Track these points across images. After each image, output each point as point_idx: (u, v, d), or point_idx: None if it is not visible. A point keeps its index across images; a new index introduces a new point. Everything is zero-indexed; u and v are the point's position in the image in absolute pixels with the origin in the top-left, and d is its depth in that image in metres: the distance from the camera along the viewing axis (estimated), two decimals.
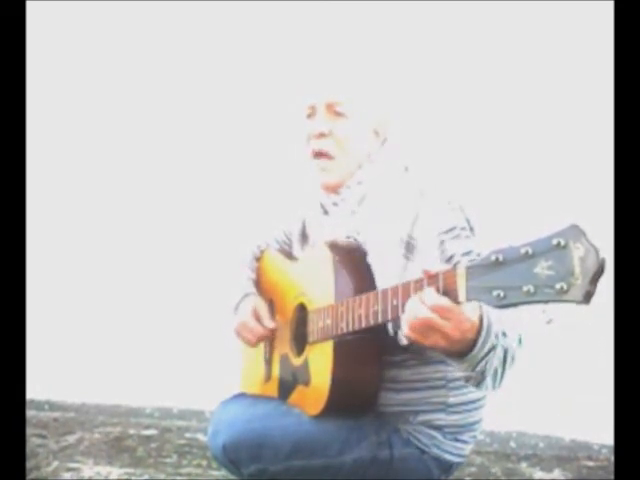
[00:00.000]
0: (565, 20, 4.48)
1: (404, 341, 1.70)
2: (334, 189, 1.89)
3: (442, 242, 1.68)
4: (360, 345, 1.74)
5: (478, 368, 1.49)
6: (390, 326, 1.71)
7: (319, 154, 1.87)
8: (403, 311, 1.51)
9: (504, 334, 1.52)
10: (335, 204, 1.90)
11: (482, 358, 1.48)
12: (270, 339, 2.02)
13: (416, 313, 1.41)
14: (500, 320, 1.50)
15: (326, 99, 1.85)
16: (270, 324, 1.97)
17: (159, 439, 3.55)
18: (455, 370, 1.57)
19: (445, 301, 1.39)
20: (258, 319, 1.98)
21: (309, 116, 1.89)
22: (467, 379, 1.55)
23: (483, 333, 1.45)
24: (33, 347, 2.50)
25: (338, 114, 1.85)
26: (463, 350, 1.46)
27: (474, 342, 1.45)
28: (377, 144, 1.89)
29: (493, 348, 1.48)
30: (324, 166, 1.87)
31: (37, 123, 4.12)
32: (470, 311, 1.41)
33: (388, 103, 1.92)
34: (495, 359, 1.50)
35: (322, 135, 1.85)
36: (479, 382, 1.54)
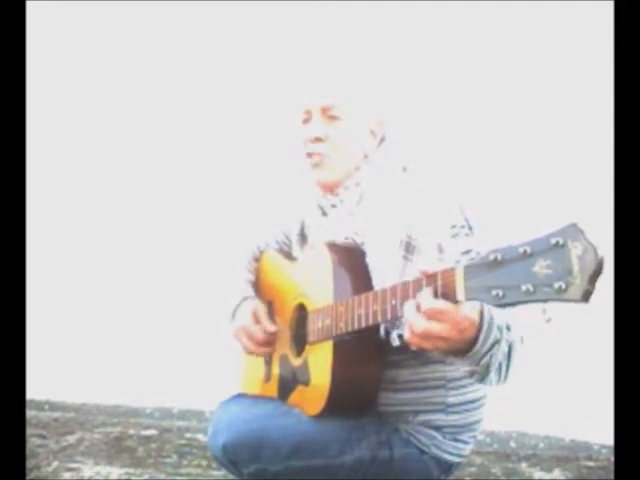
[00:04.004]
0: (565, 20, 4.48)
1: (396, 342, 1.69)
2: (330, 188, 1.89)
3: (441, 241, 1.68)
4: (359, 345, 1.74)
5: (482, 362, 1.47)
6: (382, 328, 1.71)
7: (314, 154, 1.87)
8: (402, 311, 1.51)
9: (508, 328, 1.51)
10: (334, 206, 1.90)
11: (486, 353, 1.46)
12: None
13: (412, 322, 1.41)
14: (503, 314, 1.49)
15: (321, 103, 1.85)
16: (271, 328, 1.96)
17: (159, 439, 3.55)
18: (459, 366, 1.56)
19: (439, 304, 1.37)
20: (258, 323, 1.97)
21: (305, 121, 1.89)
22: (472, 374, 1.53)
23: (484, 329, 1.44)
24: (33, 347, 2.50)
25: (333, 117, 1.85)
26: (465, 348, 1.45)
27: (475, 339, 1.44)
28: (374, 144, 1.89)
29: (497, 342, 1.47)
30: (319, 162, 1.87)
31: (37, 123, 4.12)
32: (469, 309, 1.40)
33: (384, 102, 1.92)
34: (500, 353, 1.49)
35: (318, 140, 1.85)
36: (484, 377, 1.52)
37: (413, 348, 1.46)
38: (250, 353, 2.00)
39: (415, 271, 1.48)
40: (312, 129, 1.86)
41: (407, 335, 1.42)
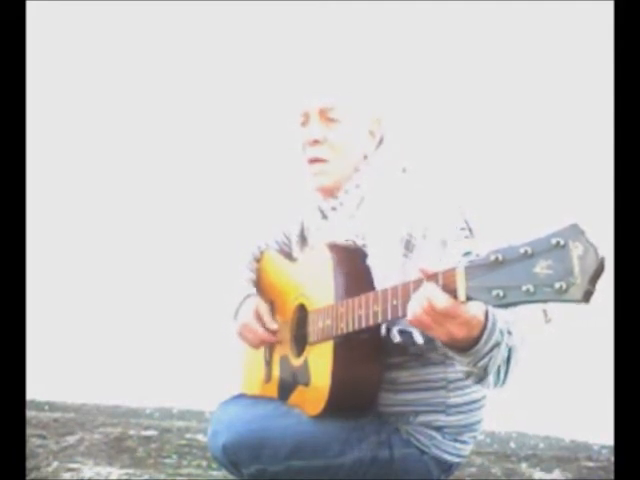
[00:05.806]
0: (565, 20, 4.48)
1: (397, 338, 1.69)
2: (330, 192, 1.88)
3: (441, 243, 1.68)
4: (360, 345, 1.74)
5: (480, 364, 1.48)
6: (383, 326, 1.71)
7: (314, 160, 1.86)
8: (403, 311, 1.51)
9: (509, 332, 1.51)
10: (334, 209, 1.89)
11: (485, 354, 1.47)
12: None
13: (421, 310, 1.41)
14: (505, 318, 1.50)
15: (319, 105, 1.85)
16: (273, 325, 1.97)
17: (159, 440, 3.55)
18: (457, 364, 1.56)
19: (452, 301, 1.37)
20: (260, 321, 1.98)
21: (303, 124, 1.88)
22: (468, 374, 1.54)
23: (488, 328, 1.44)
24: (33, 347, 2.50)
25: (331, 120, 1.84)
26: (467, 345, 1.45)
27: (478, 338, 1.44)
28: (373, 144, 1.88)
29: (497, 345, 1.47)
30: (319, 170, 1.86)
31: (37, 123, 4.12)
32: (476, 308, 1.41)
33: (382, 102, 1.91)
34: (499, 356, 1.49)
35: (316, 142, 1.85)
36: (481, 379, 1.53)
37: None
38: (256, 347, 2.01)
39: (415, 269, 1.48)
40: (311, 132, 1.85)
41: (412, 316, 1.42)
